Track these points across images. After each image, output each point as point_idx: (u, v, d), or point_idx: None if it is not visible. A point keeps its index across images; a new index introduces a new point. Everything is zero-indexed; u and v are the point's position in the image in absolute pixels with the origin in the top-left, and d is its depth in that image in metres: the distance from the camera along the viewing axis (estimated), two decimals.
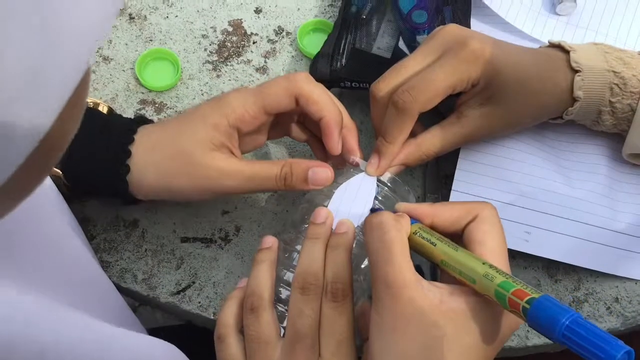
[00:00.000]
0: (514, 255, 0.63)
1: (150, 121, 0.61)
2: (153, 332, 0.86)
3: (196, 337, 0.70)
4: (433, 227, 0.50)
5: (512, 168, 0.63)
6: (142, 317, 0.97)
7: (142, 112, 0.69)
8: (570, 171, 0.64)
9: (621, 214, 0.63)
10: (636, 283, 0.63)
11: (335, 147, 0.56)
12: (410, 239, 0.48)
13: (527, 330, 0.61)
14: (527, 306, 0.42)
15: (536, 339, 0.61)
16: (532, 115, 0.60)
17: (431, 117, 0.61)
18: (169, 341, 0.81)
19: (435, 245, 0.48)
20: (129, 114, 0.68)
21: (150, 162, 0.56)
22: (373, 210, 0.54)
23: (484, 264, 0.45)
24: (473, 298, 0.45)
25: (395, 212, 0.51)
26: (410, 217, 0.50)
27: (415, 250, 0.49)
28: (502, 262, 0.47)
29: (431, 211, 0.49)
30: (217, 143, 0.55)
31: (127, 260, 0.63)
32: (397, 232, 0.46)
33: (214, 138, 0.55)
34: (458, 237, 0.49)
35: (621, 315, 0.62)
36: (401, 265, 0.45)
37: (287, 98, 0.55)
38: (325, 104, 0.55)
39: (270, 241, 0.56)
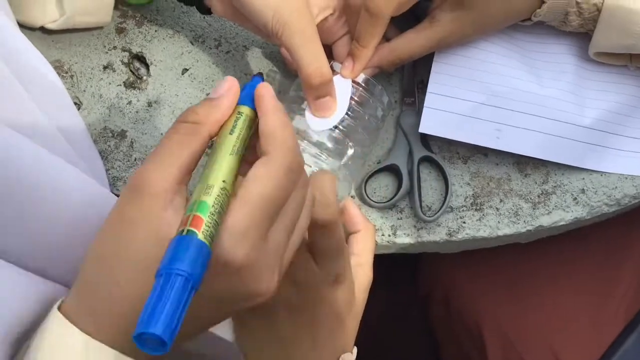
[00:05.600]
0: (486, 153, 0.67)
1: None
2: None
3: None
4: None
5: (485, 69, 0.65)
6: None
7: (124, 25, 0.70)
8: (540, 70, 0.67)
9: (588, 109, 0.66)
10: (602, 175, 0.66)
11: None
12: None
13: (498, 222, 0.65)
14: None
15: (506, 229, 0.65)
16: (502, 18, 0.62)
17: (408, 22, 0.63)
18: None
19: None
20: (110, 28, 0.70)
21: None
22: None
23: (224, 181, 0.39)
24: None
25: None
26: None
27: None
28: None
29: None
30: None
31: (117, 169, 0.66)
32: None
33: None
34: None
35: (587, 205, 0.66)
36: (167, 168, 0.39)
37: None
38: None
39: None
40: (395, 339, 1.07)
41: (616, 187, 0.66)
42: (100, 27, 0.69)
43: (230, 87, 0.43)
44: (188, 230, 0.35)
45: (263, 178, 0.39)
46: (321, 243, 0.47)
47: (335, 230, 0.46)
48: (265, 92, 0.43)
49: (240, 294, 0.39)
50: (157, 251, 0.35)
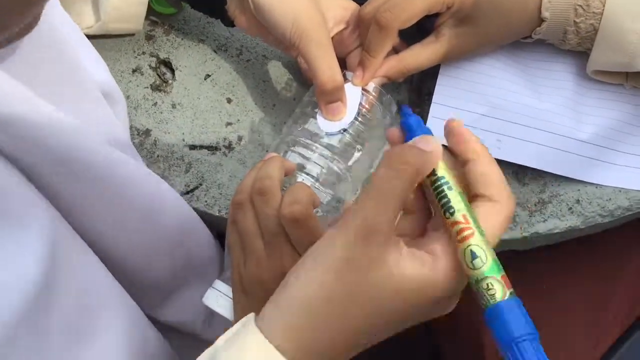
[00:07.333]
0: None
1: None
2: None
3: None
4: None
5: (487, 83, 0.70)
6: None
7: (153, 33, 0.76)
8: (540, 86, 0.71)
9: (585, 125, 0.70)
10: (596, 187, 0.70)
11: None
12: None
13: None
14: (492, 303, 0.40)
15: (504, 234, 0.68)
16: (503, 34, 0.67)
17: (416, 37, 0.68)
18: None
19: (452, 189, 0.43)
20: (140, 35, 0.75)
21: None
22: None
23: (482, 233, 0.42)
24: (426, 279, 0.41)
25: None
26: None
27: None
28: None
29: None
30: None
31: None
32: (401, 189, 0.42)
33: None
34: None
35: (582, 215, 0.69)
36: (391, 214, 0.41)
37: None
38: None
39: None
40: (396, 350, 1.09)
41: (610, 199, 0.69)
42: (132, 34, 0.75)
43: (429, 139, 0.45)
44: (510, 293, 0.40)
45: (496, 227, 0.42)
46: (294, 235, 0.52)
47: (304, 224, 0.51)
48: (464, 130, 0.46)
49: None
50: (392, 296, 0.41)
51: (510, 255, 0.72)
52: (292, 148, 0.63)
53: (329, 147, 0.63)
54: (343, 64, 0.67)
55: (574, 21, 0.65)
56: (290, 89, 0.74)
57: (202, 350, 0.66)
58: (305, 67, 0.69)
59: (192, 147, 0.71)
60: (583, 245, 0.74)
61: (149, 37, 0.76)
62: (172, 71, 0.74)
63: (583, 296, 0.82)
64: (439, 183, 0.43)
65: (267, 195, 0.54)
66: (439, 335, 0.96)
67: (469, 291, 0.87)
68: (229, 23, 0.67)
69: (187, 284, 0.67)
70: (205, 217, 0.70)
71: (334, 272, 0.41)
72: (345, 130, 0.63)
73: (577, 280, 0.82)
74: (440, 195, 0.43)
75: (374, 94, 0.65)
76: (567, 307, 0.81)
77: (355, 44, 0.67)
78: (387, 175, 0.42)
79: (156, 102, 0.73)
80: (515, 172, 0.70)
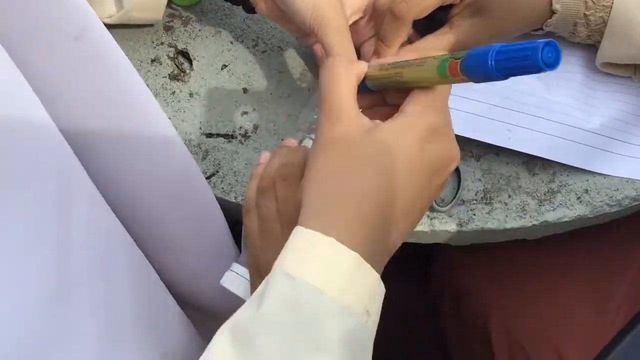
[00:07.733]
0: (498, 152, 0.72)
1: None
2: None
3: None
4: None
5: None
6: None
7: (171, 24, 0.77)
8: (550, 78, 0.72)
9: (594, 116, 0.71)
10: (605, 177, 0.71)
11: None
12: (371, 76, 0.53)
13: (506, 215, 0.70)
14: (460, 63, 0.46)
15: (514, 223, 0.70)
16: (516, 26, 0.68)
17: (428, 30, 0.70)
18: None
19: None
20: (158, 26, 0.77)
21: None
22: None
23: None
24: (399, 124, 0.49)
25: None
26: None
27: (381, 83, 0.53)
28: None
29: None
30: None
31: None
32: (345, 70, 0.51)
33: None
34: None
35: (590, 204, 0.71)
36: (341, 95, 0.50)
37: None
38: None
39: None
40: (403, 334, 1.11)
41: (618, 189, 0.71)
42: (151, 25, 0.77)
43: None
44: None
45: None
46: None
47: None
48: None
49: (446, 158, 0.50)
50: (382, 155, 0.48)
51: (518, 244, 0.74)
52: (309, 135, 0.65)
53: None
54: (357, 53, 0.69)
55: (584, 14, 0.67)
56: (305, 79, 0.75)
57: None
58: (320, 56, 0.71)
59: (209, 135, 0.73)
60: (590, 234, 0.76)
61: (168, 28, 0.77)
62: (190, 61, 0.76)
63: (589, 286, 0.83)
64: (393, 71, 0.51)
65: (289, 181, 0.56)
66: (444, 319, 0.98)
67: (472, 282, 0.89)
68: (250, 9, 0.69)
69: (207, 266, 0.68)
70: (221, 203, 0.71)
71: (322, 156, 0.49)
72: None
73: (583, 270, 0.84)
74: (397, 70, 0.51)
75: None
76: (573, 297, 0.83)
77: (370, 34, 0.68)
78: (325, 72, 0.51)
79: (174, 91, 0.75)
80: (525, 162, 0.72)
